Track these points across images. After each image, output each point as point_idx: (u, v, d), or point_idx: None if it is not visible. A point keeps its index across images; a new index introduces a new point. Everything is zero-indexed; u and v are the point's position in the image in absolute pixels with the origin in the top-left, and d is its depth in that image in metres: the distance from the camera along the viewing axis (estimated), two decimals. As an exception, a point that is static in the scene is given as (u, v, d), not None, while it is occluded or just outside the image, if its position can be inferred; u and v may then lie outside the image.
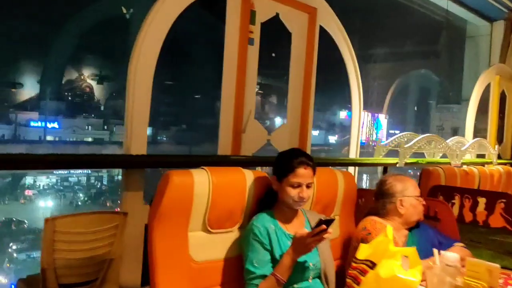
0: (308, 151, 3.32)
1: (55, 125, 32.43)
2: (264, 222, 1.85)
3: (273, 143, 3.20)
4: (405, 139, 3.98)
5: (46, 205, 27.94)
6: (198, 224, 1.80)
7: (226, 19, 2.80)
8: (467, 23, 6.77)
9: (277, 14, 3.13)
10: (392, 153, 3.89)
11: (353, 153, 3.78)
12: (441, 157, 4.40)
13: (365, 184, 19.57)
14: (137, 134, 2.47)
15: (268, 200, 1.94)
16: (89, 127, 33.96)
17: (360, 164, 3.74)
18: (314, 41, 3.34)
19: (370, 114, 22.00)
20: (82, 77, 36.40)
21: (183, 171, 1.74)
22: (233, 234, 1.93)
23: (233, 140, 2.92)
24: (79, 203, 28.93)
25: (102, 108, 36.99)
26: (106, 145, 31.38)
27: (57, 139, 32.06)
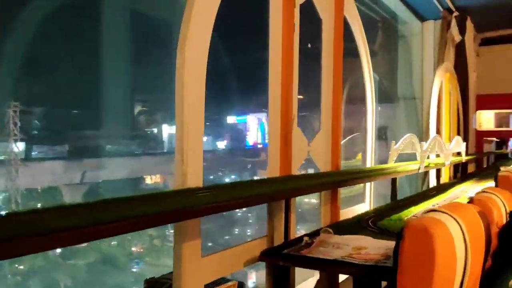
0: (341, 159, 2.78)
1: None
2: None
3: (312, 155, 2.59)
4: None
5: None
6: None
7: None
8: (400, 23, 6.84)
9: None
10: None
11: (369, 162, 3.33)
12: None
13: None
14: (193, 160, 1.71)
15: None
16: None
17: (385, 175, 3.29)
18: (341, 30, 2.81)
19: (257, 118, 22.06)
20: None
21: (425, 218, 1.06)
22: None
23: (281, 154, 2.25)
24: None
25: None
26: None
27: None
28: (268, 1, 2.21)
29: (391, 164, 3.30)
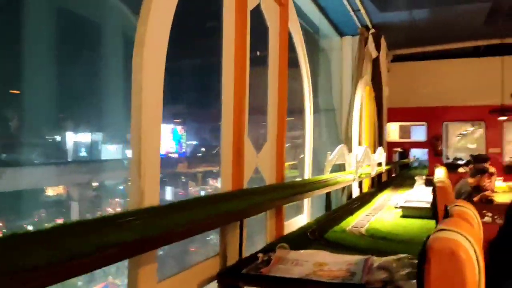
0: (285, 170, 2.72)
1: None
2: None
3: (260, 167, 2.50)
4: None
5: None
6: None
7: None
8: (321, 36, 7.06)
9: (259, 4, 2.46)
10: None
11: (307, 172, 3.32)
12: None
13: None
14: (151, 175, 1.54)
15: None
16: None
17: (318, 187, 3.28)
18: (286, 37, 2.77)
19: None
20: None
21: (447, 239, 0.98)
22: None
23: (234, 166, 2.14)
24: None
25: None
26: None
27: None
28: (221, 6, 2.10)
29: (330, 175, 3.32)
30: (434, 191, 2.83)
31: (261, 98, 2.72)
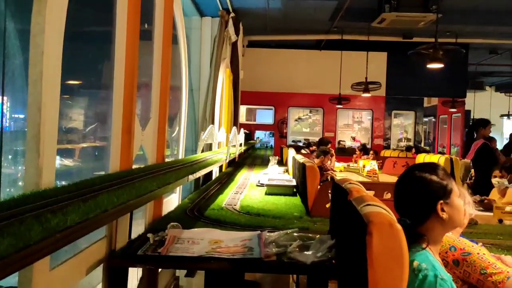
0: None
1: None
2: (441, 269, 1.37)
3: (144, 146, 2.42)
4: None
5: None
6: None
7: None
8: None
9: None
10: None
11: (181, 152, 3.30)
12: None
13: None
14: (49, 152, 1.42)
15: None
16: None
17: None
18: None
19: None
20: None
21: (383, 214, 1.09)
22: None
23: (123, 146, 2.05)
24: None
25: None
26: None
27: None
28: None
29: (205, 154, 3.35)
30: (303, 171, 3.09)
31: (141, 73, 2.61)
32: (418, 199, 1.46)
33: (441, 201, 1.43)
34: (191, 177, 2.51)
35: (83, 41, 2.98)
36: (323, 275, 1.87)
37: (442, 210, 1.43)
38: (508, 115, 14.79)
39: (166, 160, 2.94)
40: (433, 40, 5.81)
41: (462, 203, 1.50)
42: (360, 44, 9.16)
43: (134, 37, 2.03)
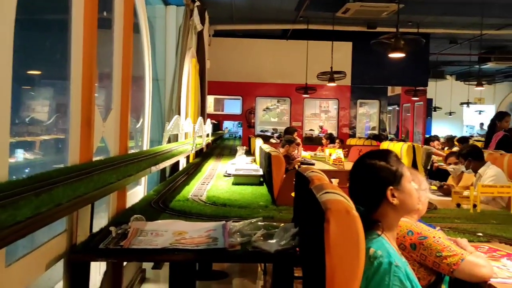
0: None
1: None
2: (396, 255, 1.38)
3: (105, 137, 2.37)
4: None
5: None
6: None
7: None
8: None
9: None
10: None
11: (146, 144, 3.25)
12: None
13: None
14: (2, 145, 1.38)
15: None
16: None
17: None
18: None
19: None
20: None
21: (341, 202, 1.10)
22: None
23: (82, 137, 2.00)
24: None
25: None
26: None
27: None
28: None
29: (170, 145, 3.31)
30: (269, 160, 3.10)
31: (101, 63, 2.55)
32: (368, 186, 1.47)
33: (391, 187, 1.44)
34: (154, 169, 2.47)
35: (44, 29, 2.88)
36: (288, 263, 1.90)
37: (393, 196, 1.44)
38: (467, 103, 15.28)
39: (130, 151, 2.89)
40: (395, 30, 5.92)
41: (414, 188, 1.53)
42: (325, 34, 9.23)
43: (91, 25, 1.97)
